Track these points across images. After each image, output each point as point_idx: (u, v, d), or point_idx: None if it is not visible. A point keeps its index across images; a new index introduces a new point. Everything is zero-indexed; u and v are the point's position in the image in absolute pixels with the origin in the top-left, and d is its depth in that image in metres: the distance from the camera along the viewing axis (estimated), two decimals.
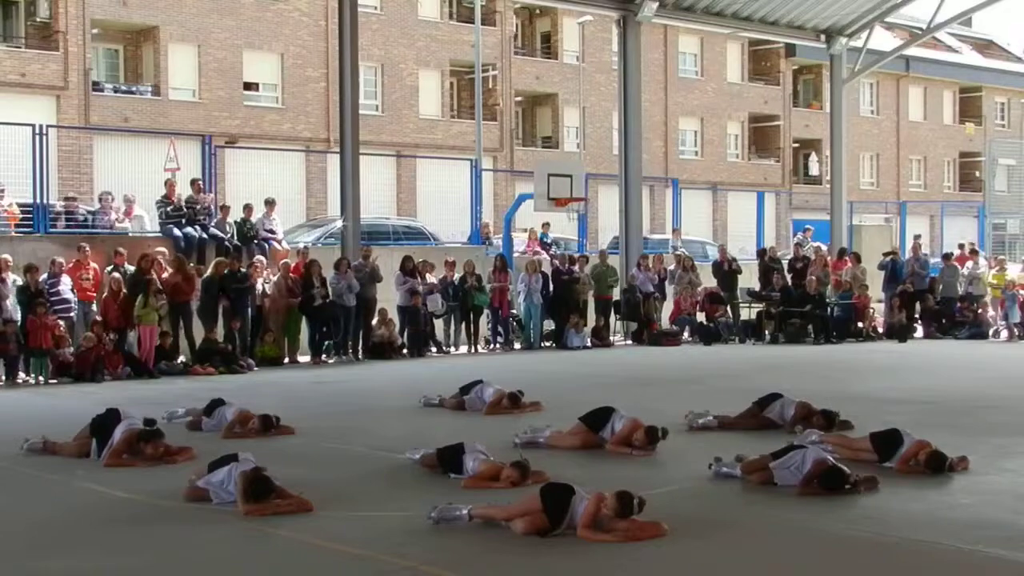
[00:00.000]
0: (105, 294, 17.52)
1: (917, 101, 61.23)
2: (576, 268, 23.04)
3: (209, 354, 17.84)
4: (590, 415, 10.36)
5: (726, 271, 24.65)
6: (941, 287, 25.62)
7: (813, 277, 24.28)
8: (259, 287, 18.99)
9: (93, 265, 17.87)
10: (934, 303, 25.33)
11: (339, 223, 21.64)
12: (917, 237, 28.05)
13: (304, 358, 19.59)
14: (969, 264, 26.15)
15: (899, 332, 23.91)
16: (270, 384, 15.19)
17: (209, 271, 18.49)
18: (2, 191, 18.56)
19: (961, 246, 27.58)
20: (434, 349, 21.04)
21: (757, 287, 24.97)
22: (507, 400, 12.62)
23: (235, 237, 19.81)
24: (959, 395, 14.23)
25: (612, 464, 9.54)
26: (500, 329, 22.32)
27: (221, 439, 10.63)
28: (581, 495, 7.26)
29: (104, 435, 9.90)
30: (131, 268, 17.93)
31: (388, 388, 15.83)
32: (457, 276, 21.58)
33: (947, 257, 26.22)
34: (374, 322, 20.31)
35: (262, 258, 19.49)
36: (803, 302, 23.77)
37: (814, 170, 56.77)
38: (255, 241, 20.09)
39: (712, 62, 53.15)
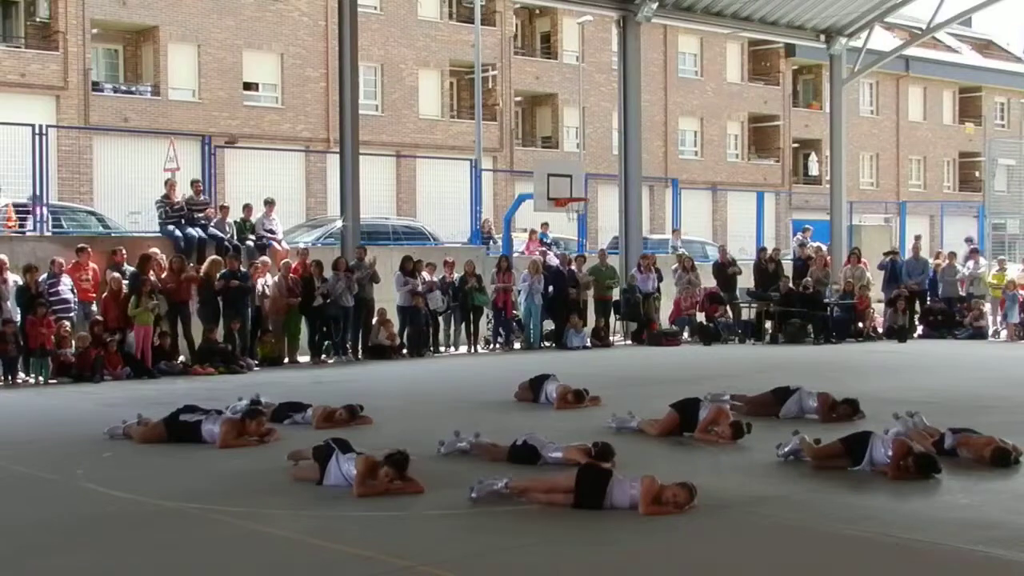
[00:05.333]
0: (105, 294, 17.52)
1: (917, 101, 61.23)
2: (574, 268, 23.06)
3: (209, 354, 17.83)
4: (680, 403, 11.00)
5: (727, 273, 24.68)
6: (941, 287, 25.66)
7: (811, 278, 24.31)
8: (259, 287, 18.99)
9: (92, 266, 17.85)
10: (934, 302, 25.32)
11: (339, 223, 21.63)
12: (917, 238, 28.02)
13: (304, 358, 19.59)
14: (970, 264, 26.18)
15: (899, 332, 23.92)
16: (270, 384, 15.17)
17: (203, 270, 18.47)
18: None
19: (953, 254, 27.39)
20: (432, 350, 21.04)
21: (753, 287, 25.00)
22: (572, 395, 13.05)
23: (235, 237, 19.82)
24: (959, 395, 14.23)
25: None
26: (501, 329, 22.32)
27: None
28: (618, 477, 7.86)
29: (187, 431, 10.70)
30: (131, 269, 17.95)
31: (388, 388, 15.83)
32: (457, 276, 21.59)
33: (951, 255, 26.23)
34: (373, 322, 20.31)
35: (266, 259, 19.49)
36: (801, 302, 23.76)
37: (814, 170, 56.78)
38: (256, 241, 20.11)
39: (712, 62, 53.15)
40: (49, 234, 18.69)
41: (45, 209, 18.74)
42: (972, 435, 9.67)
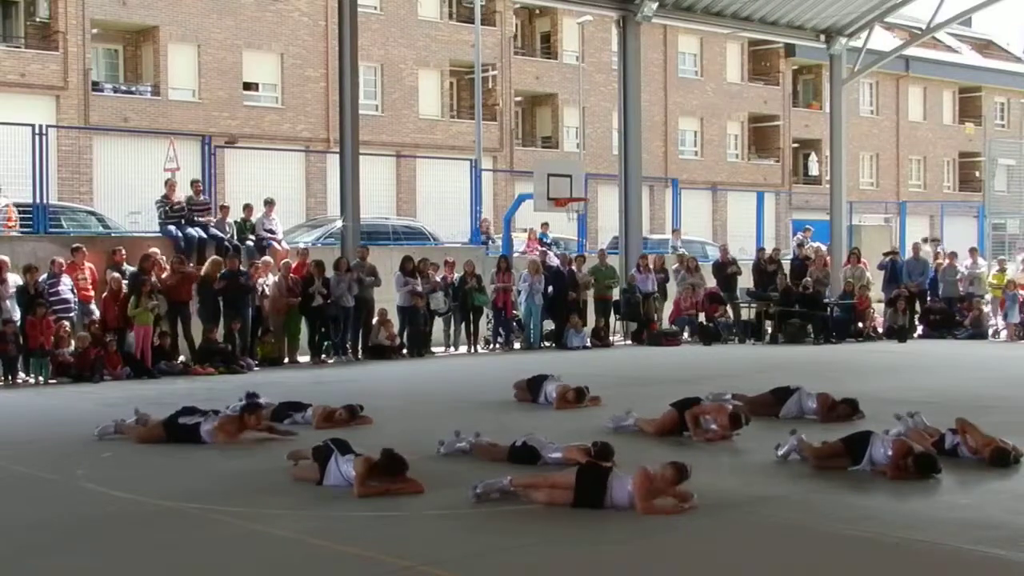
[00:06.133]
0: (105, 294, 17.52)
1: (917, 101, 61.24)
2: (574, 268, 23.08)
3: (209, 354, 17.83)
4: (680, 403, 11.04)
5: (727, 272, 24.70)
6: (941, 287, 25.66)
7: (810, 279, 24.32)
8: (259, 287, 18.98)
9: (89, 266, 17.82)
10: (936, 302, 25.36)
11: (339, 223, 21.64)
12: (925, 240, 27.96)
13: (304, 358, 19.59)
14: (968, 263, 26.18)
15: (899, 332, 23.92)
16: (270, 384, 15.16)
17: (204, 270, 18.46)
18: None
19: (954, 254, 27.21)
20: (434, 350, 21.05)
21: (752, 287, 25.01)
22: (572, 394, 13.04)
23: (235, 237, 19.82)
24: (959, 395, 14.23)
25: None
26: (501, 329, 22.31)
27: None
28: (618, 474, 7.88)
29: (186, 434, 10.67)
30: (131, 268, 17.95)
31: (388, 388, 15.83)
32: (457, 276, 21.58)
33: (952, 255, 26.26)
34: (373, 322, 20.31)
35: (269, 259, 19.47)
36: (801, 302, 23.76)
37: (814, 170, 56.79)
38: (256, 241, 20.11)
39: (712, 62, 53.16)
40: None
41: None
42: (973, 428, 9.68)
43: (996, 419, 11.24)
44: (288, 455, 9.47)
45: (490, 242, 25.75)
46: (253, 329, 18.96)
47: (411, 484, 8.35)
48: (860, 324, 24.30)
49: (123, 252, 18.24)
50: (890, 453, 8.92)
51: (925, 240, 28.07)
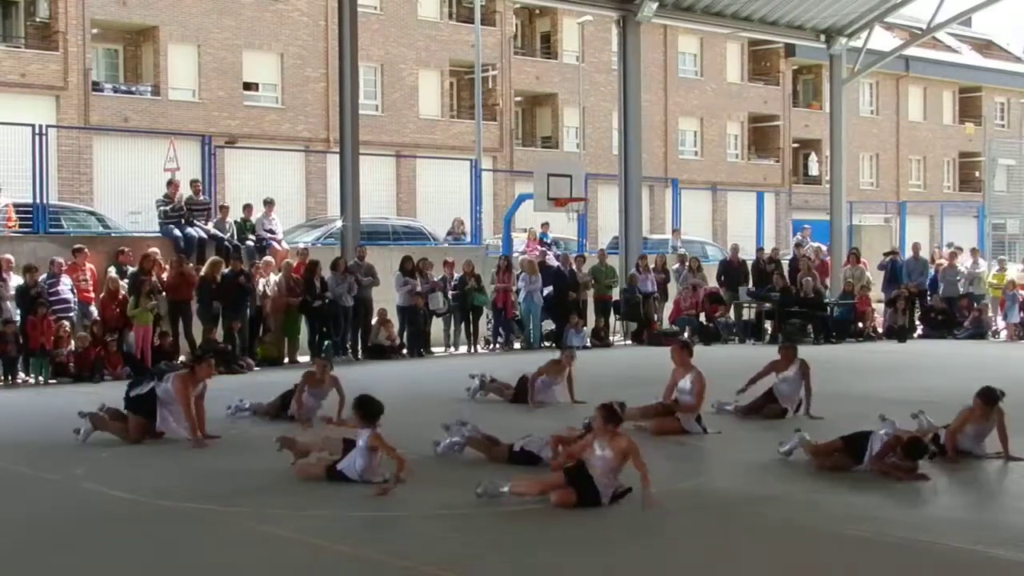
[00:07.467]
0: (103, 294, 17.51)
1: (917, 101, 61.23)
2: (574, 268, 23.07)
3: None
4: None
5: (734, 271, 24.71)
6: (942, 287, 25.65)
7: (808, 279, 24.32)
8: (260, 287, 18.98)
9: (89, 266, 17.81)
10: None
11: (339, 223, 21.63)
12: (950, 246, 27.94)
13: (304, 358, 19.57)
14: (969, 263, 26.18)
15: (899, 332, 23.92)
16: (270, 384, 15.14)
17: (204, 271, 18.44)
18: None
19: (954, 254, 27.19)
20: (434, 350, 21.04)
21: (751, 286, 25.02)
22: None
23: (235, 237, 19.81)
24: (959, 395, 14.15)
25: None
26: (501, 329, 22.30)
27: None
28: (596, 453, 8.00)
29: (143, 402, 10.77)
30: (131, 268, 17.95)
31: (388, 388, 15.79)
32: (457, 276, 21.57)
33: (952, 255, 26.26)
34: (373, 322, 20.30)
35: (270, 259, 19.46)
36: (800, 302, 23.75)
37: (814, 170, 56.79)
38: (256, 242, 20.09)
39: (712, 62, 53.16)
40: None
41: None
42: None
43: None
44: (278, 438, 9.58)
45: (460, 238, 25.49)
46: (253, 329, 18.95)
47: (398, 461, 8.42)
48: (860, 324, 24.30)
49: (130, 253, 18.23)
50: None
51: (950, 246, 28.09)
